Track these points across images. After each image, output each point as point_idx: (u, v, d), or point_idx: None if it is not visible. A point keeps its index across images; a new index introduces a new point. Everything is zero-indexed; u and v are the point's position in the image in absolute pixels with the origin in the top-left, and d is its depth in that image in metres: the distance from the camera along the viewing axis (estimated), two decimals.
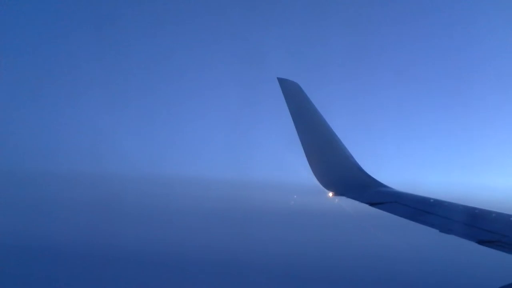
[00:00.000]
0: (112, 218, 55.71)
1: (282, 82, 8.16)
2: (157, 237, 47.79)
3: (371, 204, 7.18)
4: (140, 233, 49.17)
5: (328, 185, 7.76)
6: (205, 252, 41.72)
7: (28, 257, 36.45)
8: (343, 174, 8.07)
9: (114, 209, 63.06)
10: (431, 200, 7.07)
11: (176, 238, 48.01)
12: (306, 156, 7.94)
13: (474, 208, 6.53)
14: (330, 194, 7.67)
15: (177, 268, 37.62)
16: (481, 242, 5.48)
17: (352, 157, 8.31)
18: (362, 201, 7.34)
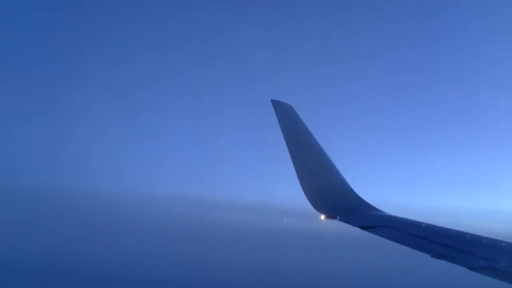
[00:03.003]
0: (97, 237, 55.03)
1: (276, 104, 8.20)
2: (146, 256, 47.18)
3: (363, 228, 7.14)
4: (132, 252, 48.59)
5: (320, 208, 7.71)
6: (194, 271, 41.31)
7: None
8: (335, 197, 8.04)
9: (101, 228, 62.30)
10: (423, 225, 7.05)
11: (169, 257, 47.49)
12: (299, 178, 7.92)
13: (466, 234, 6.52)
14: (322, 217, 7.63)
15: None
16: (473, 268, 5.44)
17: (344, 180, 8.29)
18: (354, 225, 7.30)
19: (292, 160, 7.97)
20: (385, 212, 7.93)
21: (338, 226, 7.47)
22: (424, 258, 6.00)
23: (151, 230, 64.47)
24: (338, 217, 7.56)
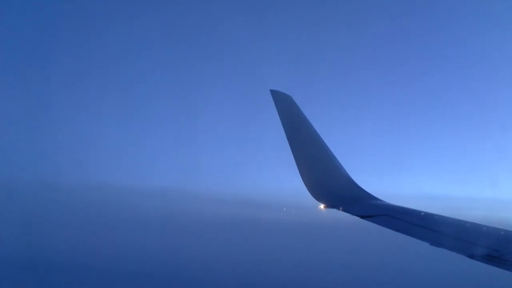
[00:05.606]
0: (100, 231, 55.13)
1: (275, 94, 8.18)
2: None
3: (362, 217, 7.17)
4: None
5: (319, 197, 7.73)
6: (203, 262, 41.66)
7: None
8: (334, 187, 8.06)
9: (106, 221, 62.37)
10: (422, 213, 7.09)
11: (170, 251, 47.69)
12: (298, 168, 7.91)
13: (465, 222, 6.55)
14: (322, 206, 7.65)
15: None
16: (471, 256, 5.48)
17: (343, 169, 8.31)
18: (353, 214, 7.32)
19: (292, 150, 7.96)
20: (384, 201, 7.96)
21: (338, 216, 7.49)
22: (423, 247, 6.03)
23: (151, 223, 64.61)
24: (337, 206, 7.58)
